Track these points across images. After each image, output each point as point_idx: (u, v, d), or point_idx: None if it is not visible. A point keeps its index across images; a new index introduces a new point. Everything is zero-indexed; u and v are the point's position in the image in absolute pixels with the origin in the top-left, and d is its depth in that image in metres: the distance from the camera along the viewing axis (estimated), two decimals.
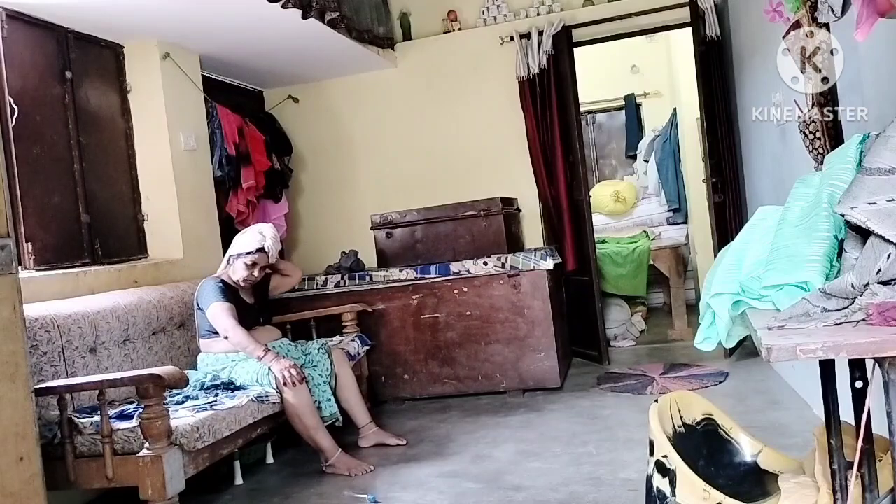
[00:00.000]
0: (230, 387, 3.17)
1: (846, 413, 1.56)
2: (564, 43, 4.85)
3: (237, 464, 3.30)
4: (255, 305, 3.55)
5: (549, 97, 4.88)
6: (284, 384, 3.14)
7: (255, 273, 3.43)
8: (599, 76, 7.03)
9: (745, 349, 4.50)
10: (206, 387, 3.14)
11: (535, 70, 4.90)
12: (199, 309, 3.37)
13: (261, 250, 3.41)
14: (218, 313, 3.28)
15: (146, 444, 2.43)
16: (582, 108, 5.22)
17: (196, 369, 3.37)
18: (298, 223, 5.51)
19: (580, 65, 5.02)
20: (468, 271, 4.26)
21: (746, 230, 1.70)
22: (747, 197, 4.58)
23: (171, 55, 4.03)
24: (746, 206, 4.58)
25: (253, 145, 4.68)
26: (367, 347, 4.22)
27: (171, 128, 4.02)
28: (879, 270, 1.18)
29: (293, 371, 3.16)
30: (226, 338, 3.28)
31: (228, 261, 3.47)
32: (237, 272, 3.42)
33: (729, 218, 4.62)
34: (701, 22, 4.61)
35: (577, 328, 4.98)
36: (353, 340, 4.02)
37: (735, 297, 1.49)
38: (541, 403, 4.05)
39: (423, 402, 4.38)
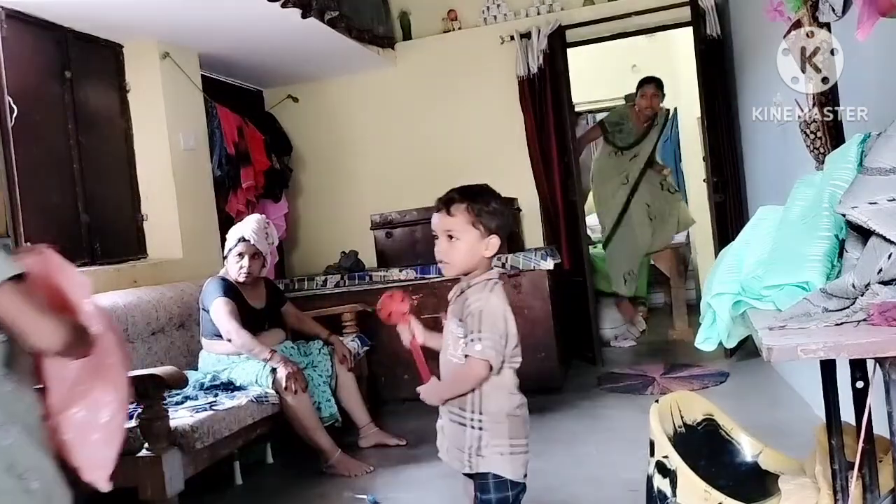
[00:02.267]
0: (230, 387, 3.16)
1: (847, 413, 1.56)
2: (558, 43, 4.85)
3: (237, 464, 3.30)
4: (264, 311, 3.53)
5: (545, 97, 4.88)
6: (286, 388, 3.14)
7: (246, 263, 3.41)
8: (600, 76, 7.02)
9: (746, 349, 4.49)
10: (205, 387, 3.14)
11: (534, 70, 4.90)
12: (204, 309, 3.36)
13: (242, 240, 3.42)
14: (221, 315, 3.26)
15: (146, 445, 2.43)
16: (582, 108, 5.24)
17: (196, 369, 3.36)
18: (298, 223, 5.51)
19: (580, 64, 5.03)
20: None
21: (747, 230, 1.69)
22: (748, 197, 4.57)
23: (171, 55, 4.03)
24: (747, 205, 4.57)
25: (253, 145, 4.67)
26: (367, 347, 4.22)
27: (171, 128, 4.01)
28: (880, 270, 1.18)
29: (297, 378, 3.17)
30: (229, 340, 3.26)
31: (224, 265, 3.50)
32: (232, 269, 3.43)
33: (729, 218, 4.61)
34: (701, 21, 4.60)
35: (573, 329, 4.97)
36: (353, 341, 4.01)
37: (736, 297, 1.48)
38: (541, 404, 4.04)
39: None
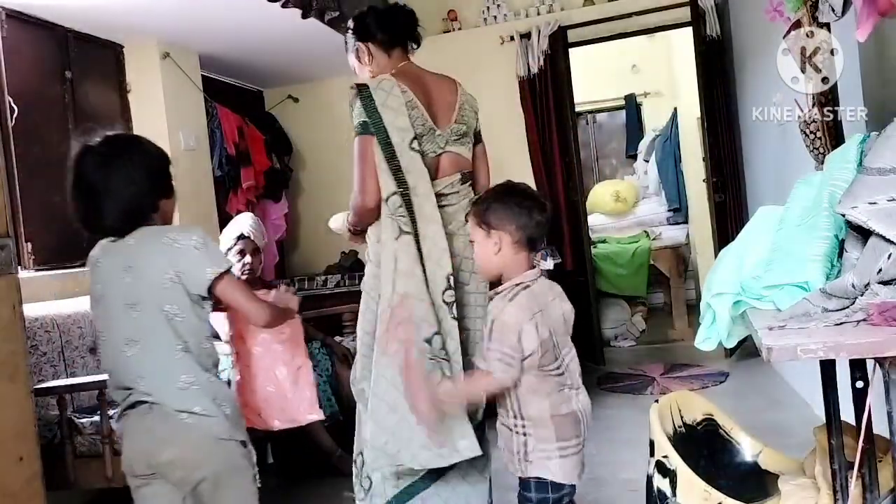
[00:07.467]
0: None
1: (846, 413, 1.56)
2: (560, 43, 4.85)
3: None
4: None
5: (546, 97, 4.88)
6: None
7: (248, 259, 3.40)
8: (600, 76, 7.02)
9: (746, 349, 4.49)
10: None
11: (534, 70, 4.90)
12: None
13: (241, 237, 3.40)
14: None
15: None
16: (582, 108, 5.22)
17: None
18: (298, 223, 5.50)
19: (580, 64, 5.02)
20: None
21: (747, 230, 1.69)
22: (748, 197, 4.57)
23: (171, 55, 4.03)
24: (747, 205, 4.58)
25: (253, 145, 4.67)
26: None
27: (171, 128, 4.01)
28: (880, 270, 1.18)
29: None
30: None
31: None
32: (232, 269, 3.41)
33: (729, 218, 4.61)
34: (701, 21, 4.61)
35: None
36: (353, 340, 4.00)
37: (736, 296, 1.48)
38: None
39: None
